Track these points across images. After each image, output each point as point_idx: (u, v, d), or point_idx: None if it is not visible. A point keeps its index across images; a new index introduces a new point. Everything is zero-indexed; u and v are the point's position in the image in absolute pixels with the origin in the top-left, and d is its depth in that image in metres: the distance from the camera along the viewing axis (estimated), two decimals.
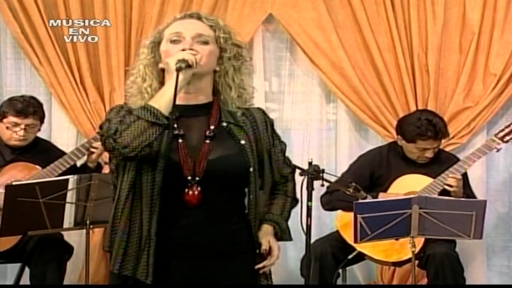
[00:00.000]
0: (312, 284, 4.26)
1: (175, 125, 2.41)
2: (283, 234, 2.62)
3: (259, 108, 2.61)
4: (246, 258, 2.52)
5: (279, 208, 2.64)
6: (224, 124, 2.48)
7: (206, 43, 2.46)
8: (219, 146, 2.46)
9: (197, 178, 2.41)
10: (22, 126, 4.44)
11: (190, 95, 2.47)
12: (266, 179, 2.55)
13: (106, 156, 4.26)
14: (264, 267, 2.53)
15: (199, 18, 2.51)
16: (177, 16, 2.55)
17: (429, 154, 4.53)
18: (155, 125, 2.31)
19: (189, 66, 2.36)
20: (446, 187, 4.39)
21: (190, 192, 2.41)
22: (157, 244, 2.38)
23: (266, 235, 2.56)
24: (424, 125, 4.46)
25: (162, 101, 2.34)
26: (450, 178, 4.40)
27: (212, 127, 2.47)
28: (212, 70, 2.49)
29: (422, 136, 4.47)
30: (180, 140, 2.43)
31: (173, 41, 2.46)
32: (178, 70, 2.33)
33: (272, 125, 2.61)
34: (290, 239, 2.66)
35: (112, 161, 2.48)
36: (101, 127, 2.42)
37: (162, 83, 2.48)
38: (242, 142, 2.48)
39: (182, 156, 2.41)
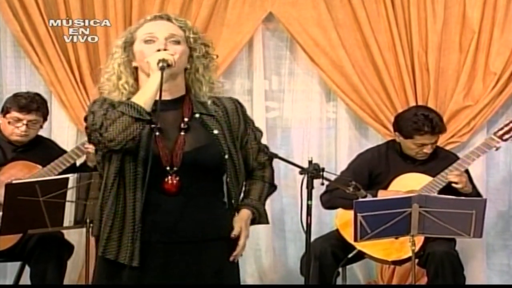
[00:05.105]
0: (312, 283, 4.26)
1: (152, 119, 2.53)
2: (261, 218, 2.76)
3: (230, 98, 2.76)
4: (227, 243, 2.65)
5: (257, 193, 2.78)
6: (197, 115, 2.64)
7: (178, 42, 2.62)
8: (194, 138, 2.61)
9: (175, 168, 2.56)
10: (24, 122, 4.44)
11: (165, 92, 2.57)
12: (239, 166, 2.67)
13: None
14: (233, 255, 2.66)
15: (168, 19, 2.67)
16: (147, 18, 2.70)
17: (427, 150, 4.51)
18: (139, 121, 2.48)
19: (168, 65, 2.51)
20: (453, 185, 4.38)
21: (170, 181, 2.57)
22: (141, 229, 2.53)
23: (240, 220, 2.69)
24: (421, 120, 4.46)
25: (145, 98, 2.50)
26: (452, 175, 4.39)
27: (186, 119, 2.63)
28: (184, 68, 2.64)
29: (419, 131, 4.46)
30: (157, 133, 2.56)
31: (147, 41, 2.62)
32: (162, 69, 2.49)
33: (244, 113, 2.75)
34: (267, 222, 2.79)
35: (98, 152, 2.63)
36: (85, 119, 2.58)
37: (136, 79, 2.66)
38: (215, 132, 2.64)
39: (160, 148, 2.57)
